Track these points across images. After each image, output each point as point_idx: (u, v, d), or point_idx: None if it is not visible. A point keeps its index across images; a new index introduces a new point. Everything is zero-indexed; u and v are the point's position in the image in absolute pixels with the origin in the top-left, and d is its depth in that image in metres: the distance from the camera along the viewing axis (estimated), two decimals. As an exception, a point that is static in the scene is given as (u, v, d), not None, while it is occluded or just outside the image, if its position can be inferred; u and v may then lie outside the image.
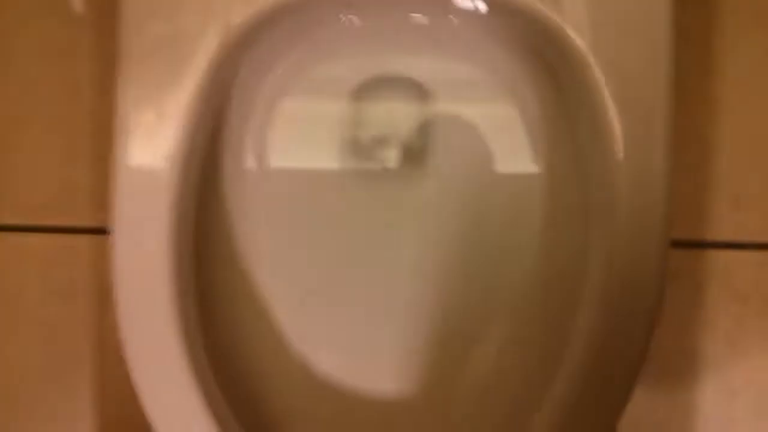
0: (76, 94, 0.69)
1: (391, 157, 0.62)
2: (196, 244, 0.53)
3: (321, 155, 0.61)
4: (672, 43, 0.51)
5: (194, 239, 0.52)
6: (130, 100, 0.50)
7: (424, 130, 0.62)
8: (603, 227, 0.51)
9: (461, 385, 0.60)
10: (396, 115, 0.62)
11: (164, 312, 0.50)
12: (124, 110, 0.50)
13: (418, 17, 0.59)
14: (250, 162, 0.60)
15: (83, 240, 0.69)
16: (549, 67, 0.54)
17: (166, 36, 0.50)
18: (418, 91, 0.61)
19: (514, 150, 0.60)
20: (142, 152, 0.50)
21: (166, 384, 0.51)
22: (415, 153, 0.62)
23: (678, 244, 0.67)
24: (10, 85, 0.70)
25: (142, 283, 0.50)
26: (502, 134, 0.60)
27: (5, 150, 0.70)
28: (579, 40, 0.49)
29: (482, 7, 0.53)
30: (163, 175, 0.49)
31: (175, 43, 0.50)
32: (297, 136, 0.61)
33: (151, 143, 0.49)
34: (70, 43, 0.69)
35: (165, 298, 0.50)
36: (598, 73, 0.49)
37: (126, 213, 0.50)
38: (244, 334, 0.59)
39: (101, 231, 0.68)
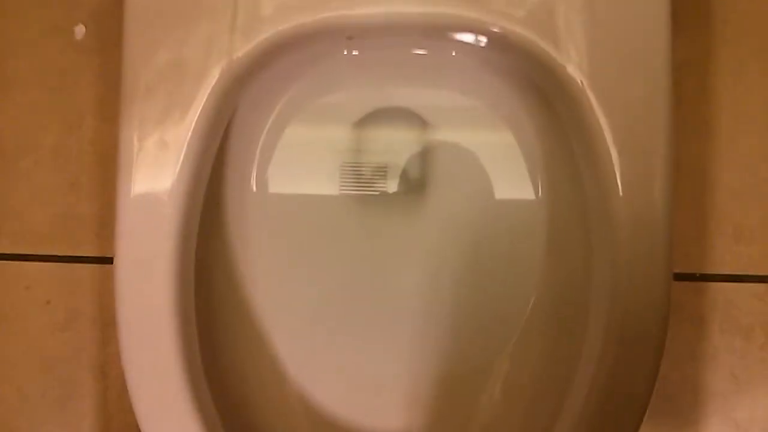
0: (78, 121, 0.70)
1: (392, 185, 0.62)
2: (198, 273, 0.53)
3: (322, 185, 0.61)
4: (670, 77, 0.51)
5: (197, 268, 0.53)
6: (133, 130, 0.50)
7: (424, 158, 0.62)
8: (605, 260, 0.51)
9: (465, 420, 0.59)
10: (396, 144, 0.62)
11: (166, 341, 0.50)
12: (127, 141, 0.50)
13: (418, 50, 0.59)
14: (252, 190, 0.61)
15: (85, 269, 0.69)
16: (547, 100, 0.54)
17: (169, 68, 0.50)
18: (418, 121, 0.62)
19: (513, 181, 0.60)
20: (144, 183, 0.50)
21: (167, 414, 0.51)
22: (416, 182, 0.62)
23: (679, 277, 0.66)
24: (12, 113, 0.70)
25: (145, 312, 0.50)
26: (501, 165, 0.60)
27: (7, 178, 0.70)
28: (577, 74, 0.50)
29: (482, 41, 0.53)
30: (166, 205, 0.50)
31: (178, 75, 0.50)
32: (299, 166, 0.61)
33: (154, 174, 0.50)
34: (72, 71, 0.70)
35: (167, 327, 0.50)
36: (596, 108, 0.49)
37: (128, 243, 0.50)
38: (245, 363, 0.59)
39: (103, 260, 0.68)
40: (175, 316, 0.50)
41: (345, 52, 0.58)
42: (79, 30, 0.70)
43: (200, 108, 0.50)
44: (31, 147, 0.70)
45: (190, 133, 0.50)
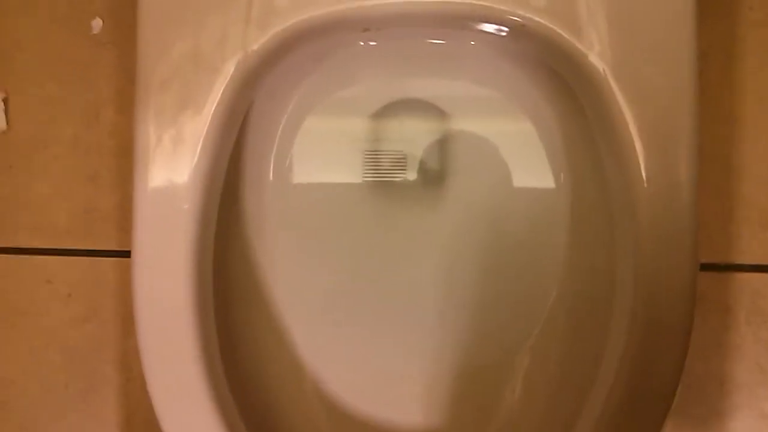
0: (96, 114, 0.70)
1: (411, 175, 0.62)
2: (216, 266, 0.53)
3: (340, 176, 0.61)
4: (695, 65, 0.50)
5: (215, 261, 0.52)
6: (149, 125, 0.50)
7: (443, 149, 0.62)
8: (628, 251, 0.50)
9: (484, 415, 0.59)
10: (415, 135, 0.62)
11: (184, 335, 0.50)
12: (143, 135, 0.50)
13: (435, 40, 0.59)
14: (270, 182, 0.60)
15: (106, 263, 0.69)
16: (568, 90, 0.53)
17: (184, 61, 0.50)
18: (436, 111, 0.61)
19: (533, 171, 0.60)
20: (161, 177, 0.50)
21: (186, 407, 0.51)
22: (434, 172, 0.62)
23: (704, 267, 0.66)
24: (30, 107, 0.70)
25: (163, 306, 0.50)
26: (521, 155, 0.60)
27: (27, 172, 0.70)
28: (599, 63, 0.49)
29: (501, 30, 0.52)
30: (183, 199, 0.50)
31: (193, 69, 0.50)
32: (316, 157, 0.61)
33: (171, 168, 0.50)
34: (89, 64, 0.70)
35: (185, 321, 0.49)
36: (618, 97, 0.48)
37: (146, 238, 0.50)
38: (263, 355, 0.59)
39: (124, 254, 0.69)
40: (193, 310, 0.49)
41: (362, 44, 0.58)
42: (96, 23, 0.70)
43: (216, 101, 0.49)
44: (50, 140, 0.70)
45: (206, 127, 0.49)
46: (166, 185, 0.50)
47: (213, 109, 0.49)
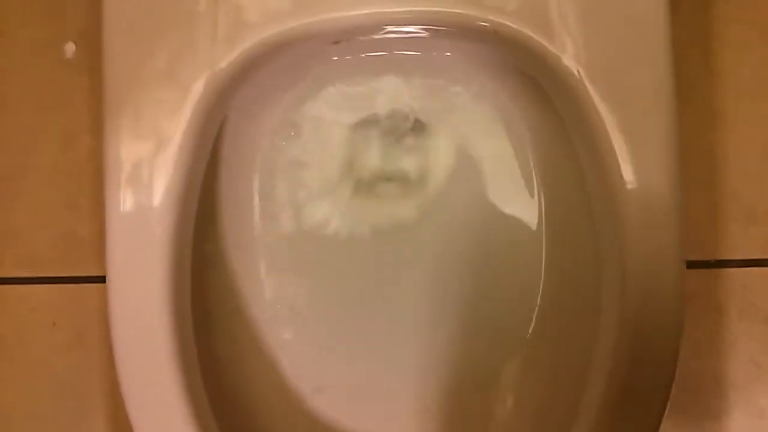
0: (73, 140, 0.69)
1: (390, 188, 0.61)
2: (196, 288, 0.52)
3: (320, 190, 0.61)
4: (672, 61, 0.49)
5: (194, 282, 0.52)
6: (118, 148, 0.49)
7: (422, 160, 0.61)
8: (613, 254, 0.50)
9: (476, 425, 0.59)
10: (393, 148, 0.61)
11: (164, 359, 0.49)
12: (112, 160, 0.49)
13: (409, 51, 0.58)
14: (249, 198, 0.60)
15: (89, 289, 0.69)
16: (546, 95, 0.53)
17: (151, 82, 0.49)
18: (413, 123, 0.61)
19: (514, 178, 0.59)
20: (132, 202, 0.49)
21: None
22: (414, 184, 0.62)
23: (693, 264, 0.65)
24: (5, 134, 0.70)
25: (140, 332, 0.49)
26: (501, 163, 0.59)
27: (5, 200, 0.70)
28: (573, 65, 0.48)
29: (473, 37, 0.52)
30: (156, 224, 0.49)
31: (160, 90, 0.49)
32: (294, 171, 0.60)
33: (142, 193, 0.49)
34: (64, 89, 0.69)
35: (164, 345, 0.49)
36: (595, 99, 0.48)
37: (120, 263, 0.50)
38: (247, 375, 0.58)
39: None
40: (171, 336, 0.49)
41: (335, 57, 0.57)
42: (69, 48, 0.69)
43: (185, 122, 0.49)
44: (28, 168, 0.69)
45: (176, 149, 0.49)
46: (138, 210, 0.49)
47: (182, 130, 0.49)
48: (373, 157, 0.62)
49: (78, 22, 0.69)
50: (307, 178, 0.61)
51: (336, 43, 0.52)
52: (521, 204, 0.59)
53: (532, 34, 0.48)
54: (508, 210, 0.60)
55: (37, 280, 0.69)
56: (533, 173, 0.59)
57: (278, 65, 0.52)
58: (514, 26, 0.48)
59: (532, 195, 0.59)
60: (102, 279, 0.67)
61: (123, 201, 0.49)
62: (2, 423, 0.70)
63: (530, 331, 0.59)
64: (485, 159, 0.60)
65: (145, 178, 0.49)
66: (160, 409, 0.49)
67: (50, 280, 0.69)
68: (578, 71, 0.48)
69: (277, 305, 0.60)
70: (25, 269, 0.69)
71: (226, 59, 0.49)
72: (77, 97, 0.69)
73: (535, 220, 0.59)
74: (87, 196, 0.69)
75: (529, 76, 0.54)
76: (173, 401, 0.49)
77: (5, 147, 0.70)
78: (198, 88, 0.49)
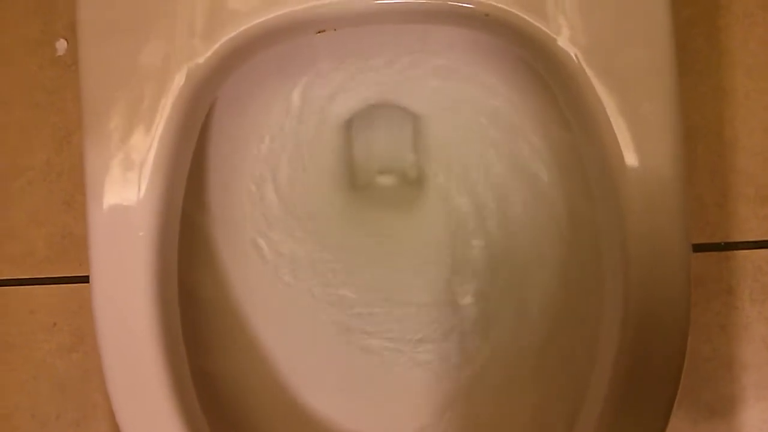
0: (67, 137, 0.69)
1: (388, 180, 0.61)
2: (183, 286, 0.51)
3: (312, 183, 0.60)
4: (674, 40, 0.47)
5: (181, 280, 0.51)
6: (98, 148, 0.48)
7: (418, 151, 0.61)
8: (616, 241, 0.48)
9: (476, 418, 0.58)
10: (388, 139, 0.61)
11: (150, 359, 0.48)
12: (92, 160, 0.48)
13: (398, 40, 0.57)
14: (238, 193, 0.58)
15: (88, 288, 0.67)
16: (543, 80, 0.51)
17: (129, 79, 0.48)
18: (407, 113, 0.60)
19: (512, 167, 0.58)
20: (114, 201, 0.48)
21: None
22: (412, 175, 0.61)
23: (703, 247, 0.65)
24: (0, 134, 0.70)
25: (125, 334, 0.48)
26: (499, 152, 0.58)
27: (2, 201, 0.69)
28: (570, 48, 0.46)
29: (466, 23, 0.50)
30: (138, 226, 0.48)
31: (139, 86, 0.48)
32: (283, 165, 0.59)
33: (122, 194, 0.48)
34: (56, 86, 0.69)
35: (150, 346, 0.47)
36: (594, 82, 0.46)
37: (103, 264, 0.48)
38: (238, 375, 0.57)
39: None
40: (157, 333, 0.47)
41: (320, 47, 0.56)
42: (61, 45, 0.69)
43: (164, 119, 0.47)
44: (23, 167, 0.69)
45: (156, 147, 0.47)
46: (120, 207, 0.48)
47: (161, 127, 0.47)
48: (366, 148, 0.61)
49: (69, 19, 0.69)
50: (291, 169, 0.59)
51: (321, 32, 0.50)
52: (522, 192, 0.58)
53: (525, 16, 0.47)
54: (508, 199, 0.58)
55: (36, 281, 0.69)
56: (535, 158, 0.57)
57: (263, 56, 0.51)
58: (506, 8, 0.47)
59: (533, 181, 0.57)
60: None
61: (104, 203, 0.48)
62: (5, 424, 0.70)
63: (533, 319, 0.57)
64: (483, 146, 0.58)
65: (124, 179, 0.48)
66: (147, 410, 0.48)
67: (49, 281, 0.69)
68: (575, 54, 0.47)
69: (269, 300, 0.58)
70: (23, 270, 0.70)
71: (205, 53, 0.47)
72: (70, 95, 0.69)
73: (537, 209, 0.57)
74: (83, 195, 0.67)
75: (524, 61, 0.52)
76: (161, 401, 0.48)
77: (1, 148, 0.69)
78: (178, 83, 0.47)
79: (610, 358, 0.48)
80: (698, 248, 0.64)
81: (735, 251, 0.65)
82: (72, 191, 0.69)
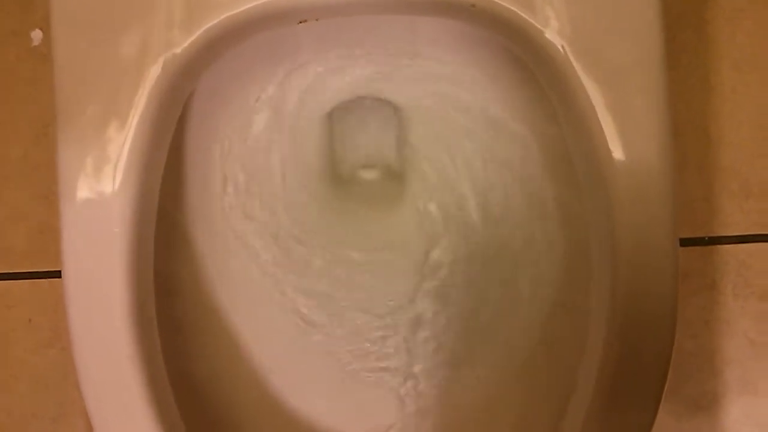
0: (44, 130, 0.68)
1: (371, 173, 0.61)
2: (161, 283, 0.50)
3: (293, 179, 0.59)
4: (663, 36, 0.47)
5: (160, 278, 0.50)
6: (72, 142, 0.47)
7: (402, 144, 0.60)
8: (603, 234, 0.48)
9: (457, 413, 0.58)
10: (371, 132, 0.60)
11: (124, 358, 0.47)
12: (65, 155, 0.47)
13: (381, 31, 0.56)
14: (218, 187, 0.57)
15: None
16: (530, 73, 0.51)
17: (104, 71, 0.47)
18: (390, 107, 0.59)
19: (497, 161, 0.57)
20: (87, 196, 0.47)
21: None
22: (395, 169, 0.61)
23: (687, 242, 0.65)
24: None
25: (99, 332, 0.47)
26: (483, 146, 0.58)
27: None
28: (557, 40, 0.46)
29: (451, 15, 0.50)
30: (113, 222, 0.47)
31: (114, 78, 0.47)
32: (264, 160, 0.58)
33: (97, 190, 0.46)
34: (32, 78, 0.68)
35: (124, 345, 0.47)
36: (581, 75, 0.46)
37: (75, 260, 0.47)
38: (220, 374, 0.56)
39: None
40: (133, 331, 0.47)
41: (302, 38, 0.55)
42: (36, 35, 0.67)
43: (140, 112, 0.46)
44: (-1, 162, 0.68)
45: (131, 139, 0.46)
46: (94, 207, 0.47)
47: (136, 120, 0.46)
48: (349, 141, 0.60)
49: (45, 8, 0.67)
50: (273, 164, 0.58)
51: (302, 22, 0.49)
52: (511, 185, 0.57)
53: (512, 7, 0.46)
54: (495, 193, 0.58)
55: (12, 276, 0.68)
56: (523, 151, 0.57)
57: (243, 47, 0.50)
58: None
59: (520, 177, 0.57)
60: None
61: (78, 193, 0.46)
62: (-18, 424, 0.69)
63: (518, 315, 0.57)
64: (469, 138, 0.58)
65: (98, 174, 0.46)
66: (121, 409, 0.48)
67: (25, 276, 0.68)
68: (563, 46, 0.46)
69: (252, 298, 0.58)
70: (0, 266, 0.69)
71: (182, 45, 0.46)
72: (46, 86, 0.66)
73: (525, 204, 0.57)
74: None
75: (511, 53, 0.52)
76: (135, 400, 0.47)
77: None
78: (153, 75, 0.46)
79: (598, 352, 0.48)
80: (682, 242, 0.65)
81: (719, 246, 0.65)
82: (50, 184, 0.67)
